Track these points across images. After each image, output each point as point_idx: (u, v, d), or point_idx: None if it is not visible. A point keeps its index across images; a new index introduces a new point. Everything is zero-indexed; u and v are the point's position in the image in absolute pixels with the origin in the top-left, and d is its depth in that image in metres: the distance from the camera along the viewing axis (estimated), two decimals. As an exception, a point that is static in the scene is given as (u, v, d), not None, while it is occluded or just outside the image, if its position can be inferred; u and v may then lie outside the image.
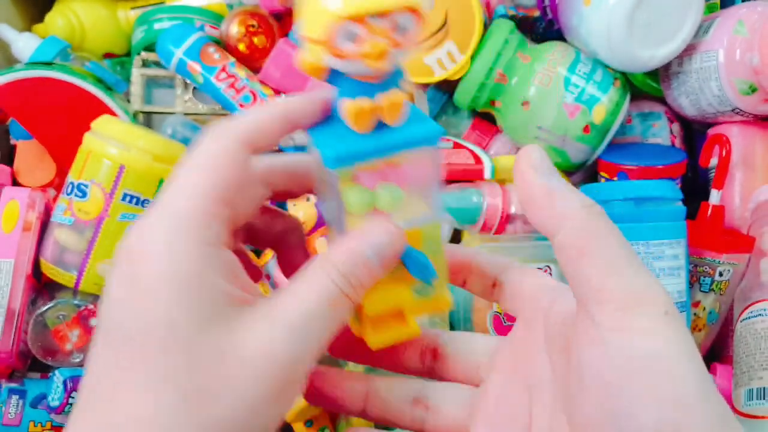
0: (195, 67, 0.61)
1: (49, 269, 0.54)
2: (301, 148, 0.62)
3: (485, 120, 0.63)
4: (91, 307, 0.55)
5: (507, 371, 0.27)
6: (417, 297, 0.27)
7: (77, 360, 0.55)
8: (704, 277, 0.52)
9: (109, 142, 0.52)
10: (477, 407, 0.27)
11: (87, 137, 0.54)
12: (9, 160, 0.62)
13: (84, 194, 0.52)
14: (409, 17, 0.24)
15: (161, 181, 0.53)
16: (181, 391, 0.21)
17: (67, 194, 0.53)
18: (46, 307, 0.53)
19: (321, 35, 0.24)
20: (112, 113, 0.59)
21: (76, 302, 0.54)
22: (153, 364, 0.21)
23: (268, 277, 0.61)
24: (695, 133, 0.63)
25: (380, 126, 0.25)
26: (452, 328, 0.50)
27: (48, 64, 0.59)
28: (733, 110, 0.55)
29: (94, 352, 0.22)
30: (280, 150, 0.63)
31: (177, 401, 0.21)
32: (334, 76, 0.27)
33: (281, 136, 0.25)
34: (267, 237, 0.29)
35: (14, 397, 0.54)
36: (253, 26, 0.64)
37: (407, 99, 0.26)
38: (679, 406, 0.20)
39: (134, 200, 0.53)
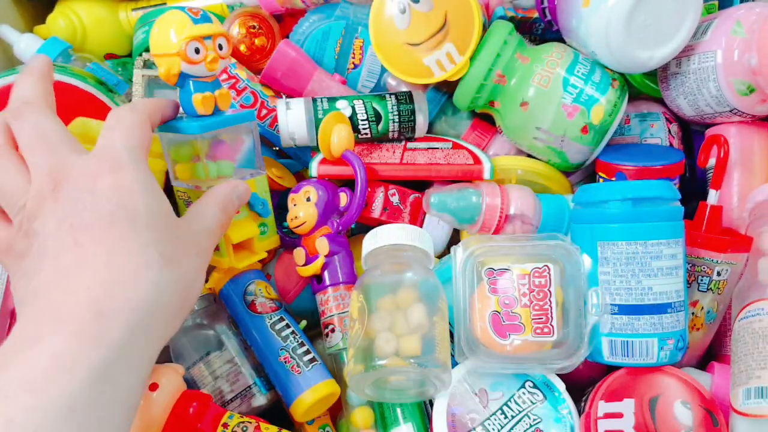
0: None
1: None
2: (301, 149, 0.62)
3: (484, 120, 0.63)
4: None
5: None
6: (261, 236, 0.54)
7: None
8: (702, 276, 0.53)
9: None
10: None
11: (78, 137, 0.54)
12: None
13: None
14: (224, 39, 0.48)
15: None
16: (163, 255, 0.37)
17: None
18: None
19: (177, 50, 0.46)
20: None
21: None
22: (142, 236, 0.37)
23: (269, 276, 0.61)
24: (693, 133, 0.63)
25: (216, 111, 0.50)
26: (451, 326, 0.50)
27: (49, 66, 0.60)
28: (731, 111, 0.55)
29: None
30: (281, 150, 0.64)
31: (160, 261, 0.37)
32: (182, 80, 0.48)
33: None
34: None
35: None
36: (253, 27, 0.65)
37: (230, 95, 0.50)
38: None
39: None
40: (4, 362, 0.30)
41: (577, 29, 0.55)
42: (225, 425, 0.48)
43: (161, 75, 0.48)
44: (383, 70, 0.62)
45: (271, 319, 0.53)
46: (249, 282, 0.54)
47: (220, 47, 0.48)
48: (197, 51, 0.46)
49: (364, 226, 0.58)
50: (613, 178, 0.56)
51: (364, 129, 0.58)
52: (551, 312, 0.47)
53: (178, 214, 0.44)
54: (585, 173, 0.63)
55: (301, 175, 0.65)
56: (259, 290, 0.55)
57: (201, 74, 0.48)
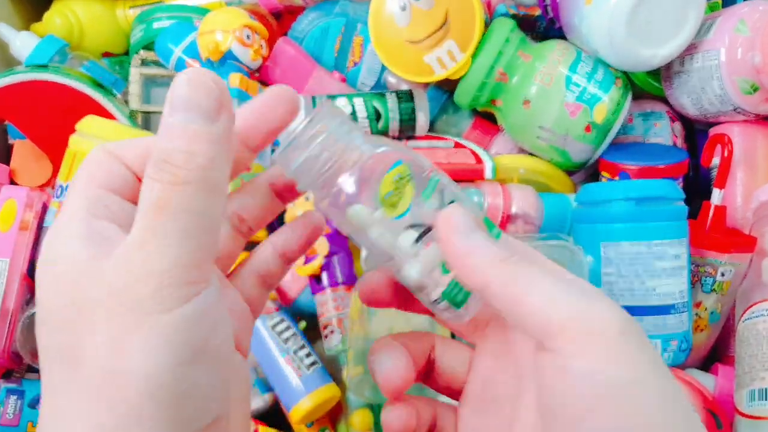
0: (194, 65, 0.60)
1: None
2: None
3: (486, 119, 0.63)
4: None
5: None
6: None
7: None
8: (706, 277, 0.52)
9: (95, 142, 0.52)
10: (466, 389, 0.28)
11: (73, 138, 0.53)
12: (6, 160, 0.62)
13: None
14: (264, 43, 0.58)
15: None
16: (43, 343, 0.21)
17: (57, 197, 0.53)
18: (34, 310, 0.53)
19: (234, 28, 0.56)
20: (109, 114, 0.59)
21: None
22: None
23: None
24: (697, 132, 0.63)
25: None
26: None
27: (42, 67, 0.59)
28: (734, 109, 0.55)
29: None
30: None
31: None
32: (224, 60, 0.56)
33: None
34: None
35: (12, 398, 0.54)
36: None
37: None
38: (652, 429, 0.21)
39: None
40: None
41: (580, 27, 0.54)
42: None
43: (208, 49, 0.56)
44: (383, 67, 0.62)
45: (272, 320, 0.53)
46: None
47: (261, 47, 0.59)
48: (248, 37, 0.56)
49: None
50: (617, 178, 0.56)
51: (363, 127, 0.58)
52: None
53: None
54: (588, 172, 0.62)
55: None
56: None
57: (244, 60, 0.57)
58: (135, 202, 0.22)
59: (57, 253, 0.21)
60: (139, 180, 0.23)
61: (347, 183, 0.24)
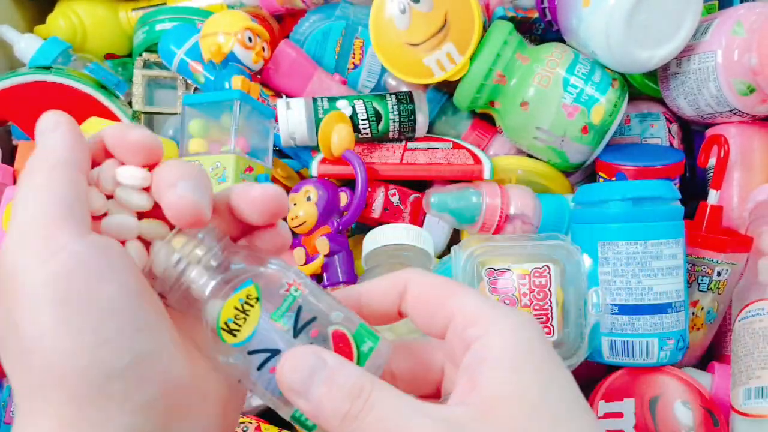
0: (197, 67, 0.61)
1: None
2: (302, 148, 0.62)
3: (484, 120, 0.63)
4: None
5: None
6: None
7: None
8: (702, 276, 0.53)
9: None
10: None
11: None
12: (10, 161, 0.62)
13: None
14: (266, 45, 0.59)
15: None
16: None
17: None
18: None
19: (236, 31, 0.57)
20: (112, 116, 0.60)
21: None
22: None
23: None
24: (693, 133, 0.63)
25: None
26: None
27: (46, 69, 0.59)
28: (731, 111, 0.55)
29: None
30: (281, 150, 0.64)
31: None
32: (226, 62, 0.57)
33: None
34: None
35: (16, 396, 0.54)
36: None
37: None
38: None
39: None
40: None
41: (578, 29, 0.55)
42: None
43: (210, 52, 0.57)
44: (383, 70, 0.62)
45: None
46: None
47: (263, 50, 0.60)
48: (250, 39, 0.57)
49: (365, 226, 0.58)
50: (614, 178, 0.56)
51: (364, 129, 0.58)
52: (551, 312, 0.47)
53: None
54: (585, 173, 0.63)
55: (301, 175, 0.65)
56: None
57: (246, 62, 0.58)
58: None
59: None
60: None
61: (204, 310, 0.24)
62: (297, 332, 0.23)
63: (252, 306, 0.23)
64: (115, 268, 0.23)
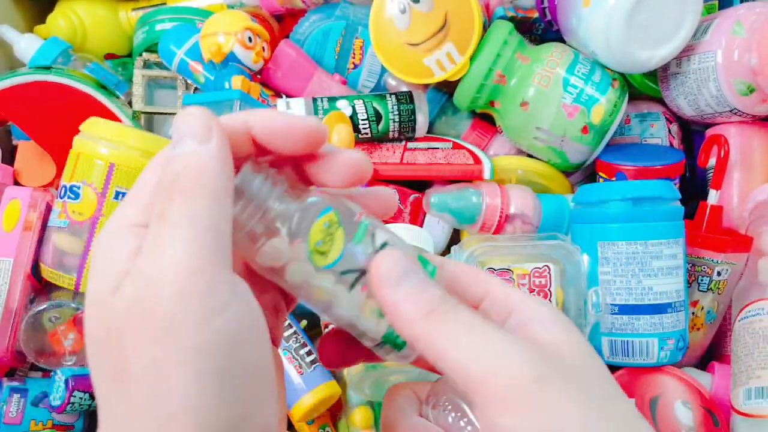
0: (196, 67, 0.61)
1: (50, 273, 0.54)
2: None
3: (484, 120, 0.63)
4: None
5: None
6: None
7: (69, 363, 0.54)
8: (702, 276, 0.53)
9: (98, 142, 0.52)
10: None
11: (76, 140, 0.54)
12: (11, 160, 0.62)
13: (77, 196, 0.52)
14: (267, 45, 0.59)
15: None
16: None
17: (61, 197, 0.53)
18: (38, 309, 0.53)
19: (236, 31, 0.56)
20: (113, 116, 0.60)
21: (74, 305, 0.54)
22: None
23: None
24: (693, 133, 0.63)
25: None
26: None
27: (46, 68, 0.59)
28: (731, 111, 0.55)
29: None
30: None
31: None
32: (226, 62, 0.57)
33: (247, 144, 0.24)
34: None
35: (15, 396, 0.54)
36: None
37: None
38: None
39: None
40: None
41: (578, 29, 0.55)
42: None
43: (210, 52, 0.57)
44: (383, 70, 0.62)
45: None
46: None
47: (263, 50, 0.60)
48: (250, 39, 0.57)
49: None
50: (614, 178, 0.56)
51: (364, 129, 0.58)
52: (551, 312, 0.47)
53: None
54: (585, 173, 0.62)
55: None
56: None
57: (246, 62, 0.58)
58: None
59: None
60: None
61: (277, 240, 0.24)
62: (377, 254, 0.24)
63: (336, 230, 0.24)
64: (262, 328, 0.22)
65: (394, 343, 0.25)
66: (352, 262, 0.24)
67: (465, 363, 0.22)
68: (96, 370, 0.21)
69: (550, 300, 0.48)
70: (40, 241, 0.55)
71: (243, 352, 0.20)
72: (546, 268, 0.49)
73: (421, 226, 0.59)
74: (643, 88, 0.62)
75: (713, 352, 0.57)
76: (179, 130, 0.22)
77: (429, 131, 0.62)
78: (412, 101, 0.59)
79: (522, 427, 0.21)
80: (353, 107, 0.58)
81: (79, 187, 0.52)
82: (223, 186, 0.21)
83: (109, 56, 0.70)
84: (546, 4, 0.61)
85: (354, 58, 0.63)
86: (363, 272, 0.24)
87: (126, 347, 0.20)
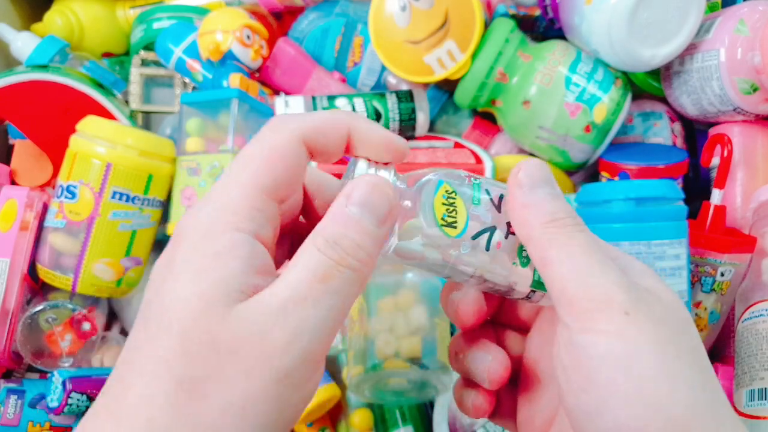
0: (194, 65, 0.60)
1: (47, 274, 0.53)
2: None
3: (486, 119, 0.63)
4: (84, 312, 0.54)
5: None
6: None
7: (66, 364, 0.54)
8: (706, 277, 0.52)
9: (95, 142, 0.52)
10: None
11: (73, 139, 0.53)
12: (7, 160, 0.62)
13: (73, 195, 0.52)
14: (265, 43, 0.58)
15: (150, 177, 0.53)
16: (174, 379, 0.20)
17: (58, 197, 0.53)
18: (35, 310, 0.53)
19: (234, 28, 0.56)
20: (109, 115, 0.59)
21: (70, 306, 0.54)
22: (154, 347, 0.21)
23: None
24: (696, 132, 0.63)
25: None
26: (452, 327, 0.49)
27: (43, 67, 0.59)
28: (734, 110, 0.55)
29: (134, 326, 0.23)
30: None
31: (169, 389, 0.20)
32: (224, 60, 0.57)
33: (341, 146, 0.25)
34: None
35: (13, 397, 0.54)
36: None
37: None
38: (648, 405, 0.21)
39: (123, 197, 0.52)
40: None
41: (580, 27, 0.54)
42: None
43: (208, 50, 0.57)
44: (383, 68, 0.62)
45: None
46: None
47: (262, 48, 0.59)
48: (248, 37, 0.57)
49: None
50: (616, 178, 0.56)
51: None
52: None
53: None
54: (587, 173, 0.62)
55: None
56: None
57: (244, 60, 0.58)
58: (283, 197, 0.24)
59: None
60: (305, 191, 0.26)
61: (413, 222, 0.25)
62: (498, 207, 0.25)
63: (454, 198, 0.25)
64: (335, 325, 0.23)
65: (542, 285, 0.26)
66: (479, 224, 0.25)
67: (565, 279, 0.23)
68: (179, 377, 0.21)
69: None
70: (37, 242, 0.54)
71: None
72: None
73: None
74: (646, 87, 0.61)
75: (716, 354, 0.56)
76: (365, 197, 0.23)
77: (430, 130, 0.62)
78: (412, 100, 0.58)
79: (601, 350, 0.22)
80: (353, 105, 0.57)
81: (76, 187, 0.52)
82: (368, 278, 0.23)
83: (106, 54, 0.70)
84: (548, 1, 0.60)
85: (353, 56, 0.63)
86: (492, 229, 0.25)
87: (221, 361, 0.21)
